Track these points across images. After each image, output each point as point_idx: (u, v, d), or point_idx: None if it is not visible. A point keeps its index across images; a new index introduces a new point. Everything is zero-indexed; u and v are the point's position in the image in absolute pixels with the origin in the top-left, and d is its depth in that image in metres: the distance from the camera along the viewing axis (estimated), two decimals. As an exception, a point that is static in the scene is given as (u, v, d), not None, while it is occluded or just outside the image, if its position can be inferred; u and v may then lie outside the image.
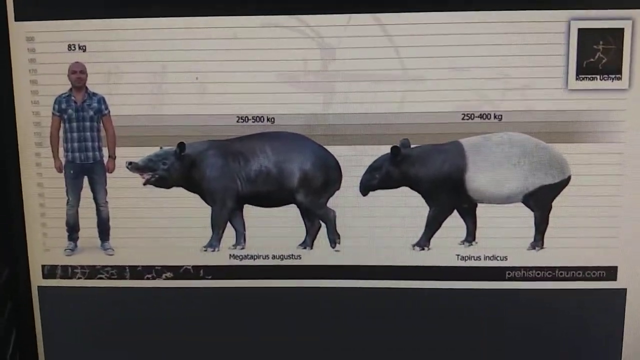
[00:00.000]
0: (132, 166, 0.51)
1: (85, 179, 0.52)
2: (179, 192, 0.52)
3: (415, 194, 0.51)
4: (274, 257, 0.52)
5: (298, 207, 0.52)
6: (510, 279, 0.51)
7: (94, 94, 0.51)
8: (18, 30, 0.50)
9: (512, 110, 0.49)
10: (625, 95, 0.48)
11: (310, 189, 0.52)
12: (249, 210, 0.52)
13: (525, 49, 0.48)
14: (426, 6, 0.48)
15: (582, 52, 0.48)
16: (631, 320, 0.51)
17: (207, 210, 0.52)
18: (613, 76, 0.48)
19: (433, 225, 0.51)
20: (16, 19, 0.49)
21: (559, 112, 0.49)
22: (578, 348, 0.52)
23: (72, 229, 0.52)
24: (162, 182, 0.51)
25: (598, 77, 0.48)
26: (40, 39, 0.50)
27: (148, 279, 0.53)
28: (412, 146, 0.50)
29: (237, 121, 0.50)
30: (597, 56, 0.48)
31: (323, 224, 0.52)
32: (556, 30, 0.48)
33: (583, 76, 0.48)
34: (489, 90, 0.49)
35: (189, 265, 0.53)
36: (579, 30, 0.47)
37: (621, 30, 0.47)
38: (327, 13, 0.48)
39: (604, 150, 0.49)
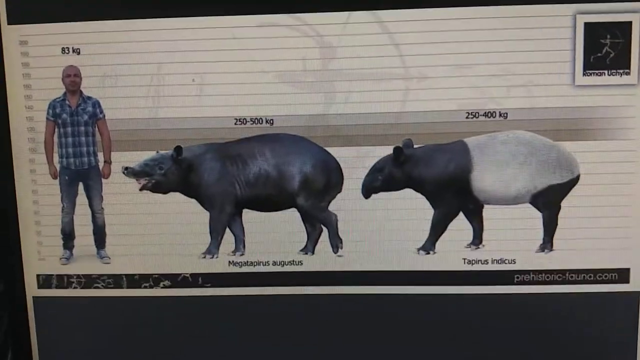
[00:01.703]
0: (128, 171, 0.50)
1: (81, 185, 0.51)
2: (176, 197, 0.51)
3: (419, 195, 0.50)
4: (274, 263, 0.51)
5: (299, 211, 0.51)
6: (519, 283, 0.50)
7: (89, 98, 0.50)
8: (11, 34, 0.49)
9: (517, 108, 0.48)
10: (634, 90, 0.47)
11: (311, 192, 0.51)
12: (248, 215, 0.51)
13: (530, 45, 0.47)
14: (427, 2, 0.47)
15: (589, 47, 0.47)
16: (645, 324, 0.50)
17: (205, 215, 0.51)
18: (621, 71, 0.47)
19: (438, 228, 0.50)
20: (9, 23, 0.49)
21: (566, 109, 0.48)
22: (590, 354, 0.51)
23: (68, 237, 0.52)
24: (159, 187, 0.50)
25: (606, 72, 0.47)
26: (33, 43, 0.49)
27: (145, 287, 0.52)
28: (415, 146, 0.49)
29: (235, 123, 0.49)
30: (605, 51, 0.47)
31: (325, 229, 0.51)
32: (562, 24, 0.47)
33: (590, 72, 0.47)
34: (494, 87, 0.48)
35: (187, 273, 0.52)
36: (585, 24, 0.47)
37: (629, 24, 0.47)
38: (326, 11, 0.48)
39: (613, 147, 0.48)
